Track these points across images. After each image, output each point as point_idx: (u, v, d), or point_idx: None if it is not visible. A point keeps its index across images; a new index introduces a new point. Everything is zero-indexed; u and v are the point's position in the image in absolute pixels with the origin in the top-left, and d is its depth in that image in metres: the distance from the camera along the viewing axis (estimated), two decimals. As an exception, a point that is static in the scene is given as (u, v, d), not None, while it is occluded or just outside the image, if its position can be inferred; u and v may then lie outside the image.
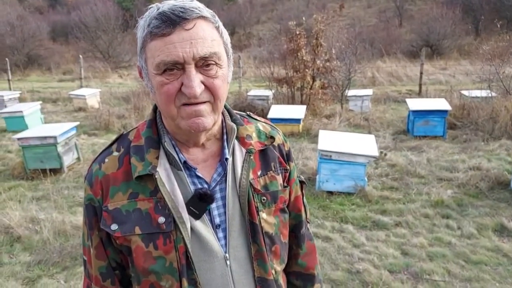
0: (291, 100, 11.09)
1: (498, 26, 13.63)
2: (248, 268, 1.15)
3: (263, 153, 1.23)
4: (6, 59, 17.21)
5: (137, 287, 1.15)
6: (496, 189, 5.57)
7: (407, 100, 9.26)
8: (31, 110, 10.08)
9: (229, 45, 1.11)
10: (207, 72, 1.02)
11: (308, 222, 1.44)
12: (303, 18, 12.62)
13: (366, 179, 5.62)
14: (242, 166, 1.16)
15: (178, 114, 1.04)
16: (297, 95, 11.19)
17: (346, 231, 4.66)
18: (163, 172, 1.09)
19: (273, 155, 1.25)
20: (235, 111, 1.26)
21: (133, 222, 1.08)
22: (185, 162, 1.12)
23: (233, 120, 1.21)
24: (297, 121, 8.78)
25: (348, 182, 5.56)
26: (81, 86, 15.69)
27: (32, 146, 6.56)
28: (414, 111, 8.29)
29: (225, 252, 1.12)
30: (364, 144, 5.70)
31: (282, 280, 1.27)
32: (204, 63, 1.01)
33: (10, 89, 15.48)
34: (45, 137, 6.55)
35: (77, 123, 7.78)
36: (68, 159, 6.95)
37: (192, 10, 1.00)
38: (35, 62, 24.13)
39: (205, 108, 1.04)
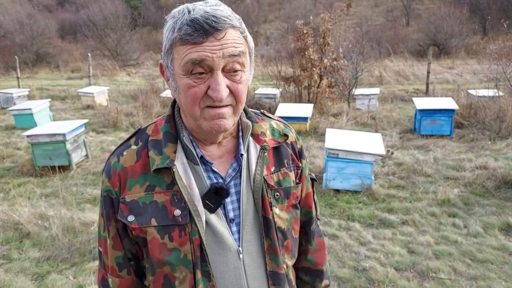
0: (298, 99, 11.11)
1: (505, 25, 13.53)
2: (261, 262, 1.17)
3: (277, 150, 1.26)
4: (15, 57, 17.37)
5: (151, 278, 1.18)
6: (502, 188, 5.56)
7: (414, 99, 9.25)
8: (40, 108, 10.15)
9: (253, 50, 1.14)
10: (232, 77, 1.06)
11: (319, 219, 1.47)
12: (311, 17, 12.64)
13: (373, 177, 5.63)
14: (257, 162, 1.18)
15: (201, 116, 1.08)
16: (304, 94, 11.20)
17: (353, 229, 4.68)
18: (180, 166, 1.13)
19: (286, 152, 1.28)
20: (250, 109, 1.29)
21: (149, 214, 1.11)
22: (201, 157, 1.16)
23: (248, 118, 1.25)
24: (304, 119, 8.79)
25: (355, 180, 5.58)
26: (89, 84, 15.79)
27: (41, 143, 6.62)
28: (421, 110, 8.28)
29: (239, 246, 1.15)
30: (371, 143, 5.71)
31: (292, 275, 1.29)
32: (231, 68, 1.04)
33: (19, 86, 15.58)
34: (54, 134, 6.61)
35: (86, 120, 7.84)
36: (76, 156, 7.01)
37: (224, 20, 1.02)
38: (44, 60, 24.32)
39: (227, 111, 1.08)
